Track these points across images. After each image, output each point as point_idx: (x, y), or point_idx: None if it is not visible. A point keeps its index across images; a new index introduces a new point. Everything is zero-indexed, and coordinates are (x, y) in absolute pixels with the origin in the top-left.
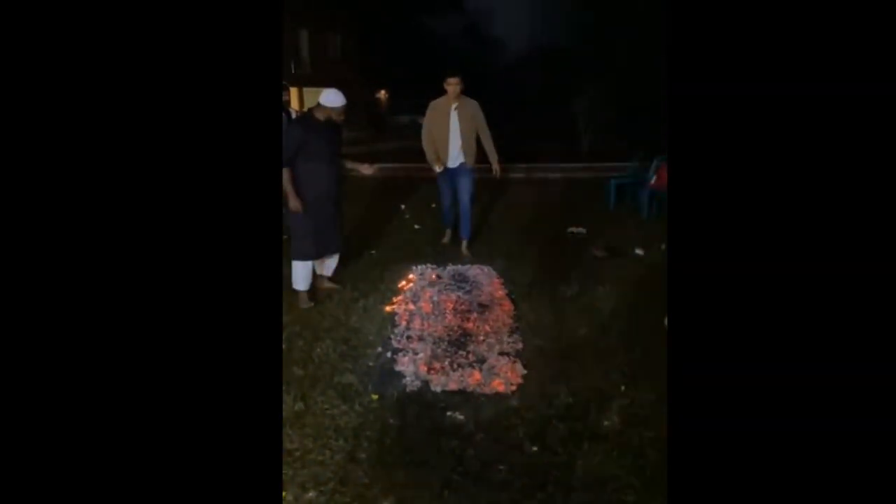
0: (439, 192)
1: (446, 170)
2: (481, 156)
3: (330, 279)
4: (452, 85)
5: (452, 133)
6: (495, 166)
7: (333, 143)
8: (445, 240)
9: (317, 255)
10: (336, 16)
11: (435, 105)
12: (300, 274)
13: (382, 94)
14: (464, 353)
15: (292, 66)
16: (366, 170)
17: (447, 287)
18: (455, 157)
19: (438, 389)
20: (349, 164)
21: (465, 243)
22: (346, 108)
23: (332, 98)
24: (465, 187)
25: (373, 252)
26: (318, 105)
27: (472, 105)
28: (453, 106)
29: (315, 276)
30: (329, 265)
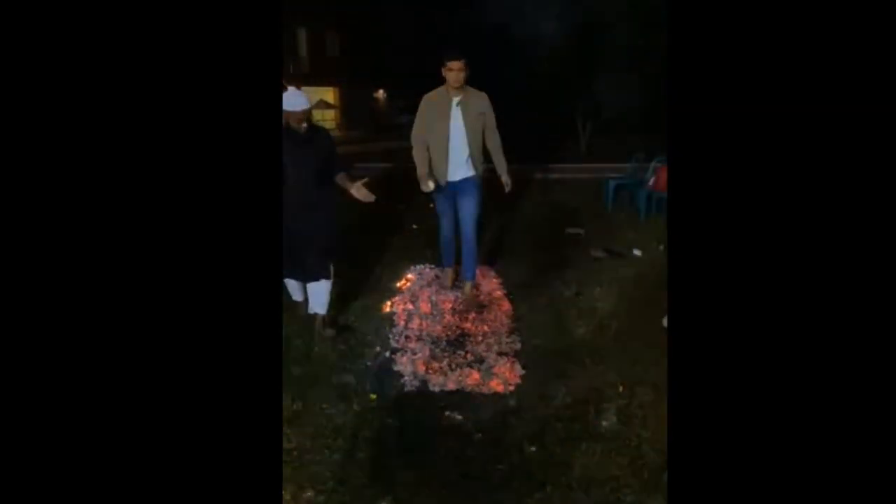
0: (438, 217)
1: (447, 186)
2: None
3: (324, 320)
4: (455, 70)
5: (455, 136)
6: (505, 178)
7: (301, 154)
8: (448, 284)
9: (287, 274)
10: (334, 14)
11: (430, 99)
12: (290, 287)
13: (380, 93)
14: (462, 352)
15: (290, 65)
16: (356, 192)
17: (445, 287)
18: (458, 168)
19: (437, 389)
20: (350, 189)
21: (468, 286)
22: (308, 113)
23: (292, 100)
24: (468, 209)
25: (371, 251)
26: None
27: (481, 98)
28: (455, 100)
29: (313, 316)
30: (316, 299)
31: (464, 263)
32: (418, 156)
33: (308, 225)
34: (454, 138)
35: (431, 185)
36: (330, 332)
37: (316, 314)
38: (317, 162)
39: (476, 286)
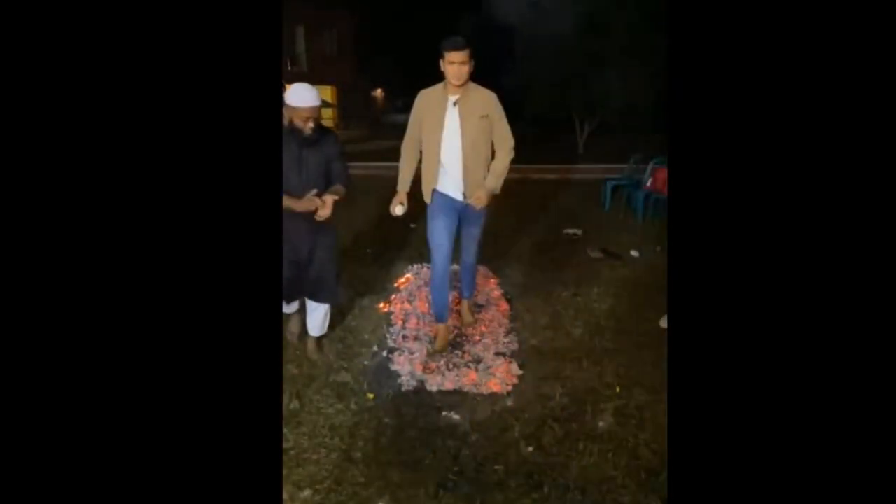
0: (429, 236)
1: (444, 202)
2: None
3: (317, 342)
4: (456, 63)
5: (448, 143)
6: (479, 193)
7: (304, 157)
8: (437, 344)
9: (287, 295)
10: (332, 12)
11: (426, 96)
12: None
13: (379, 92)
14: (459, 352)
15: (288, 64)
16: (322, 209)
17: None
18: (456, 185)
19: (434, 389)
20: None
21: (466, 306)
22: (317, 111)
23: (300, 95)
24: (471, 236)
25: (368, 251)
26: (285, 105)
27: (485, 98)
28: (452, 99)
29: (305, 335)
30: (314, 321)
31: (462, 284)
32: (403, 168)
33: (309, 241)
34: (447, 146)
35: (399, 212)
36: (316, 356)
37: (309, 335)
38: (321, 168)
39: (474, 296)
